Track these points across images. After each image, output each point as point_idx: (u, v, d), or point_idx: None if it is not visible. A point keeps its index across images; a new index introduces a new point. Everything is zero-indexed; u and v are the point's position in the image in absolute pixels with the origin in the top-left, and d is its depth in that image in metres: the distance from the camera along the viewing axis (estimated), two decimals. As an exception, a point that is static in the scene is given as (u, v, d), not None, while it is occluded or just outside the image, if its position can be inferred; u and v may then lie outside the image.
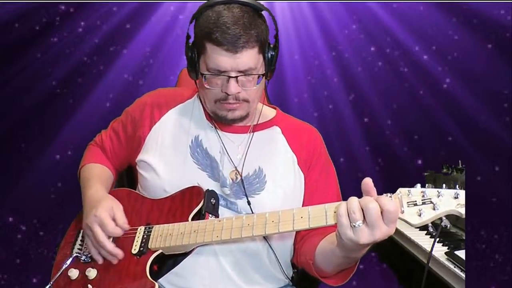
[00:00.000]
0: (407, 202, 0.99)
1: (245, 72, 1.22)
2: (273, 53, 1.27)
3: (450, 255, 1.58)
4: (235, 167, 1.33)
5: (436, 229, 1.04)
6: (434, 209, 0.97)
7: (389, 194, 1.00)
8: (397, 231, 2.05)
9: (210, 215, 1.22)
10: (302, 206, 1.35)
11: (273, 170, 1.35)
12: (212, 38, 1.19)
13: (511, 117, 2.68)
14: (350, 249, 1.04)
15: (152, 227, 1.25)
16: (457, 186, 0.99)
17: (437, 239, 1.74)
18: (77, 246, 1.33)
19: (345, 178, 2.89)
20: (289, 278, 1.39)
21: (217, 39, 1.18)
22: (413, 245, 1.86)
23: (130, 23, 3.09)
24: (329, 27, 3.14)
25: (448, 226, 0.99)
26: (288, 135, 1.42)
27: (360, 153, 3.14)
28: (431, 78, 3.02)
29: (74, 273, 1.25)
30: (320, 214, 1.05)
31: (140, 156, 1.39)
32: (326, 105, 3.18)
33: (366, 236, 0.96)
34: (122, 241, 1.24)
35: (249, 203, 1.28)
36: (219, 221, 1.16)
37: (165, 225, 1.23)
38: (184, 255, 1.22)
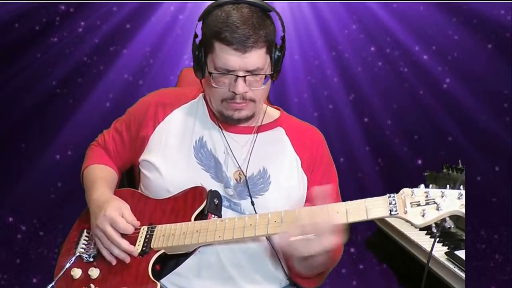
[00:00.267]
0: (411, 203, 0.99)
1: (252, 72, 1.23)
2: (280, 54, 1.27)
3: (450, 255, 1.58)
4: (239, 168, 1.33)
5: (438, 230, 1.05)
6: (437, 209, 0.98)
7: (392, 194, 1.01)
8: (397, 231, 2.05)
9: (213, 215, 1.22)
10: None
11: (277, 171, 1.35)
12: (221, 37, 1.19)
13: (511, 117, 2.69)
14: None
15: (155, 227, 1.25)
16: (461, 187, 0.99)
17: (437, 239, 1.75)
18: (80, 245, 1.32)
19: (345, 178, 2.92)
20: (290, 278, 1.39)
21: (226, 38, 1.18)
22: (413, 245, 1.86)
23: (130, 23, 3.09)
24: (329, 27, 3.14)
25: (452, 226, 0.99)
26: (292, 137, 1.42)
27: (360, 153, 3.14)
28: (431, 78, 3.02)
29: (76, 273, 1.25)
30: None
31: (144, 156, 1.39)
32: (326, 105, 3.18)
33: (315, 247, 1.03)
34: (125, 241, 1.24)
35: (252, 203, 1.28)
36: (222, 221, 1.17)
37: (168, 225, 1.23)
38: (187, 255, 1.22)
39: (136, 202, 1.33)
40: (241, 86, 1.23)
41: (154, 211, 1.30)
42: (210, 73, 1.25)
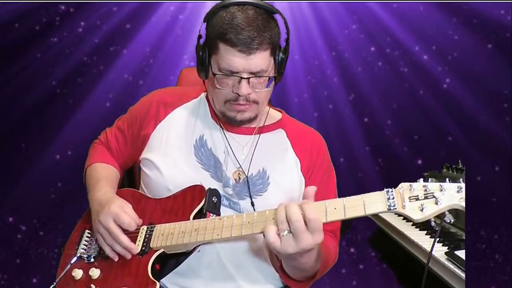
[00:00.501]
0: (409, 197, 0.97)
1: (256, 74, 1.23)
2: (284, 56, 1.27)
3: (450, 255, 1.59)
4: (239, 167, 1.33)
5: (438, 225, 1.03)
6: (436, 203, 0.95)
7: (390, 189, 1.00)
8: (397, 231, 2.06)
9: (212, 214, 1.22)
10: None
11: (277, 172, 1.35)
12: (226, 38, 1.19)
13: (511, 117, 2.68)
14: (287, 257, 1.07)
15: (154, 226, 1.25)
16: (460, 180, 0.97)
17: (437, 239, 1.75)
18: (81, 246, 1.33)
19: (345, 178, 2.92)
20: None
21: (231, 40, 1.18)
22: (413, 245, 1.87)
23: (130, 23, 3.09)
24: (329, 27, 3.14)
25: (452, 221, 0.97)
26: (293, 139, 1.42)
27: (360, 153, 3.14)
28: (431, 78, 3.02)
29: (78, 273, 1.25)
30: (321, 210, 1.04)
31: (144, 154, 1.39)
32: (326, 105, 3.18)
33: (292, 246, 1.00)
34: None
35: (252, 204, 1.28)
36: (220, 219, 1.17)
37: (167, 224, 1.23)
38: (186, 254, 1.22)
39: (136, 202, 1.33)
40: (244, 88, 1.23)
41: (154, 210, 1.30)
42: (214, 74, 1.25)
